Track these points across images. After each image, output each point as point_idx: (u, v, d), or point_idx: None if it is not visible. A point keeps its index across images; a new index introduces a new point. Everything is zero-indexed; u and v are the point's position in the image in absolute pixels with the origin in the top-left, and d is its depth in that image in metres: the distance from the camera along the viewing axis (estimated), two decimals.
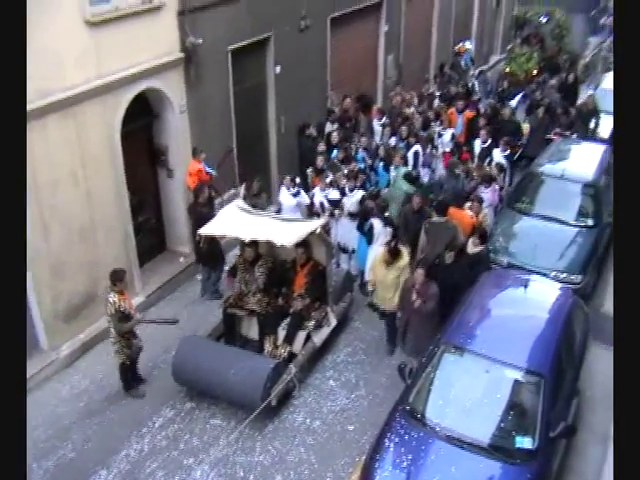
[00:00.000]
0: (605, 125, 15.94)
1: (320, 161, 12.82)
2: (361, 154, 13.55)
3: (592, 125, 16.24)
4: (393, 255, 9.79)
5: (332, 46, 15.57)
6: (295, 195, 12.08)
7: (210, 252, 11.18)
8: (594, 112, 16.31)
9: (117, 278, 8.91)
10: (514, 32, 21.65)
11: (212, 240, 10.82)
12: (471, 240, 10.26)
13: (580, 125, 16.07)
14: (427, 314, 9.39)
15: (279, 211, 12.13)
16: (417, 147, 13.75)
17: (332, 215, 11.78)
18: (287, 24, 13.76)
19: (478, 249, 10.21)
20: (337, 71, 16.08)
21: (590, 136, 15.66)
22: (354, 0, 16.09)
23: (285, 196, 12.13)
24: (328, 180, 12.20)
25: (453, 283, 9.51)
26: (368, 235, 11.14)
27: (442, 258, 9.90)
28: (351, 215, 11.79)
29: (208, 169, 11.89)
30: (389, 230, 10.95)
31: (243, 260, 10.22)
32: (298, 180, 12.34)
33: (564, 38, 20.85)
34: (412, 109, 16.06)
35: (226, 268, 11.19)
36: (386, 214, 11.12)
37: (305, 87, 14.69)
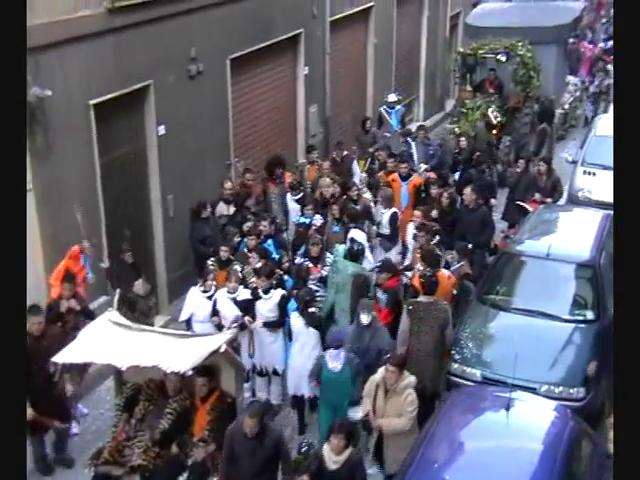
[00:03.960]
0: (603, 184, 16.43)
1: (224, 251, 12.77)
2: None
3: None
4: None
5: (234, 97, 15.90)
6: (211, 298, 11.93)
7: (49, 402, 10.40)
8: None
9: None
10: (462, 77, 22.02)
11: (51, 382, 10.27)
12: (326, 447, 9.03)
13: None
14: None
15: (189, 322, 12.02)
16: (355, 233, 13.58)
17: (243, 328, 11.59)
18: (172, 69, 13.97)
19: (342, 458, 8.93)
20: (242, 130, 16.35)
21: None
22: (261, 33, 16.52)
23: (196, 300, 11.98)
24: (238, 274, 12.14)
25: None
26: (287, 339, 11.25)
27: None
28: (269, 325, 11.68)
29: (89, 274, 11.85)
30: (313, 332, 11.03)
31: (155, 386, 10.08)
32: (212, 276, 12.22)
33: (532, 81, 21.26)
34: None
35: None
36: (312, 309, 11.16)
37: (200, 153, 14.83)
